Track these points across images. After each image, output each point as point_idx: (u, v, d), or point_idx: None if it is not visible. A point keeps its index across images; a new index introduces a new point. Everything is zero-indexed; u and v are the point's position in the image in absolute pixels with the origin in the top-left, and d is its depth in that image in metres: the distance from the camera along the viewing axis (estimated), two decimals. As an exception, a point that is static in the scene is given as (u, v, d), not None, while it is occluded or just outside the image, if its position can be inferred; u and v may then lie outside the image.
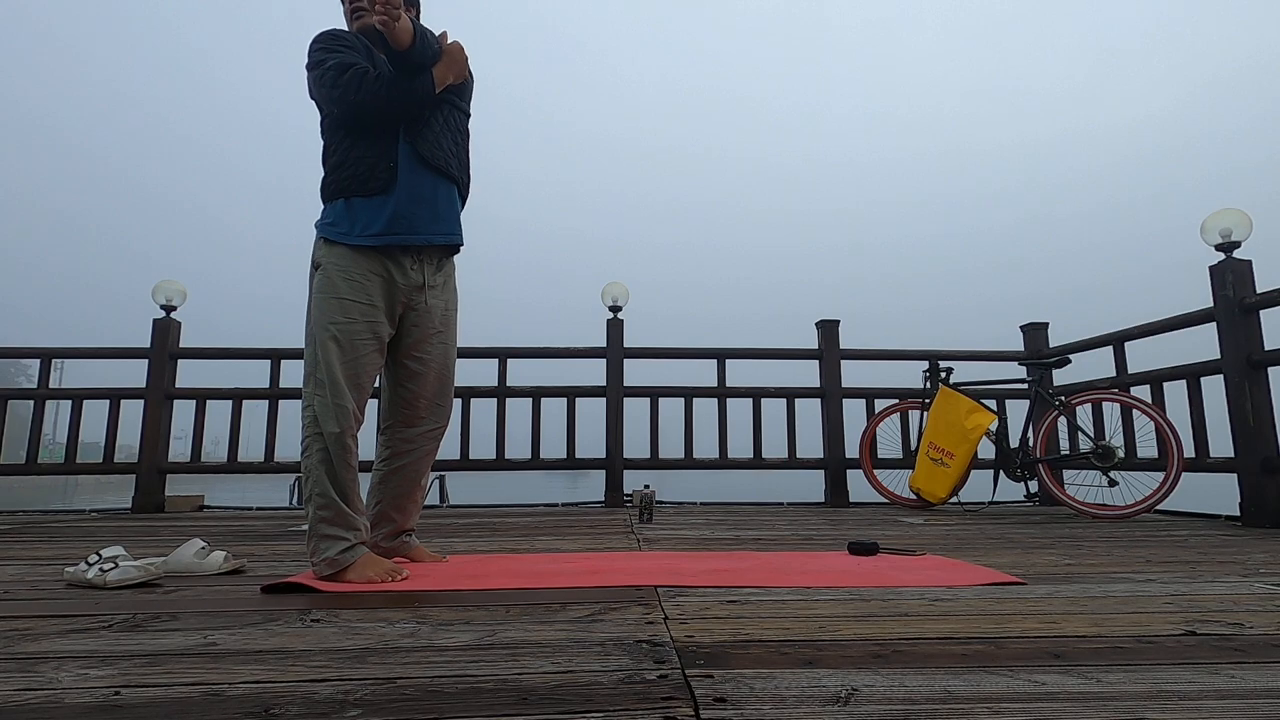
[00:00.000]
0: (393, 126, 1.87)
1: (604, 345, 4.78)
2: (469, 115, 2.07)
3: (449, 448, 4.61)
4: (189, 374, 4.72)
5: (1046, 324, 4.95)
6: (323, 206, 1.90)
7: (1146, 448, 3.82)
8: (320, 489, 1.71)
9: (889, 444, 4.74)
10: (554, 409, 4.72)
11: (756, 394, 4.80)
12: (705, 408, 4.77)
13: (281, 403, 4.60)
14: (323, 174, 1.91)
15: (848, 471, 4.71)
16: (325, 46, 1.87)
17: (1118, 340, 4.10)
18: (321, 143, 1.93)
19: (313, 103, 1.93)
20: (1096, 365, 4.31)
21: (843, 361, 4.88)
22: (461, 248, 2.03)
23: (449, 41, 1.91)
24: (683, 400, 4.77)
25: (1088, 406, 3.99)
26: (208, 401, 4.62)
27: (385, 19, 1.67)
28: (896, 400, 4.77)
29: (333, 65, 1.83)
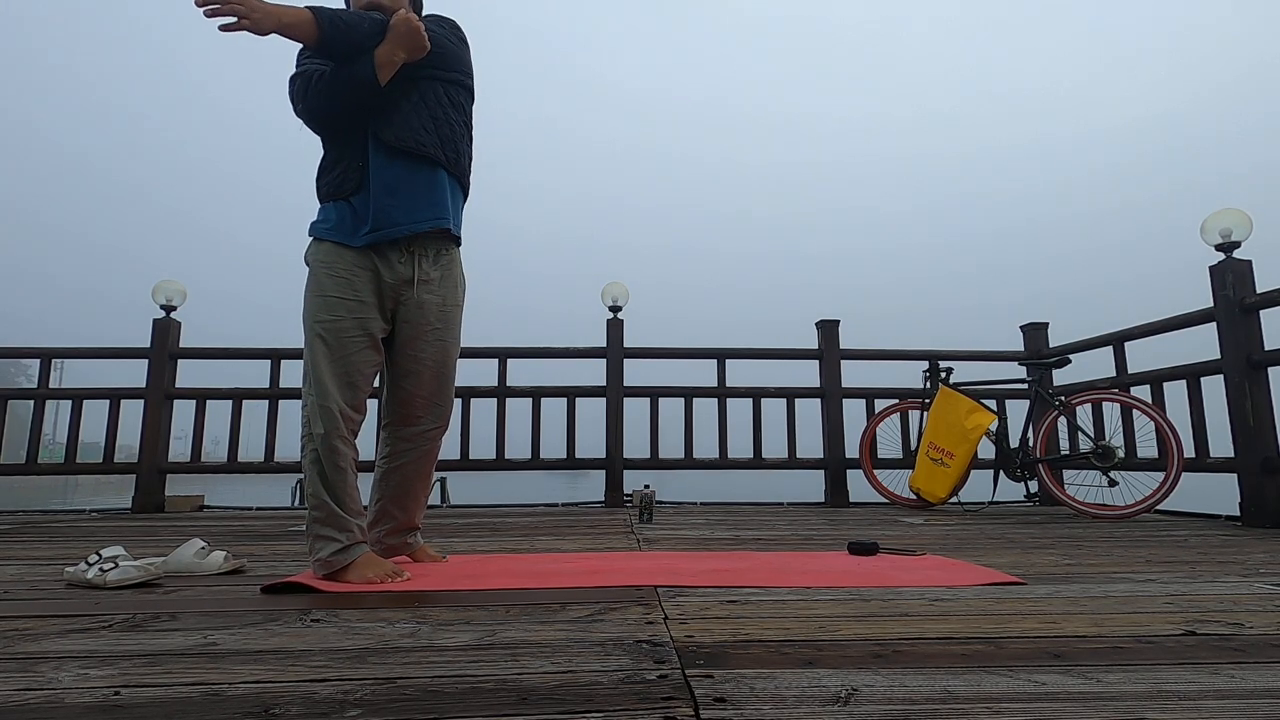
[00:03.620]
0: (358, 122, 1.81)
1: (604, 345, 4.78)
2: (461, 84, 1.94)
3: (449, 448, 4.61)
4: (189, 374, 4.69)
5: (1046, 324, 4.95)
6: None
7: (1146, 448, 3.82)
8: (313, 490, 1.70)
9: (889, 444, 4.75)
10: (554, 409, 4.72)
11: (756, 394, 4.80)
12: (705, 408, 4.77)
13: (281, 403, 4.60)
14: None
15: (848, 471, 4.70)
16: (297, 60, 1.85)
17: (1118, 340, 4.10)
18: None
19: None
20: (1096, 365, 4.30)
21: (843, 361, 4.88)
22: (451, 231, 1.92)
23: (398, 16, 1.76)
24: (683, 400, 4.76)
25: (1088, 406, 3.99)
26: (208, 401, 4.62)
27: (228, 26, 1.54)
28: (896, 400, 4.77)
29: (290, 79, 1.83)
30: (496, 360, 4.73)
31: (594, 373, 4.77)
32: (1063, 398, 3.90)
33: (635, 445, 4.68)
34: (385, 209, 1.80)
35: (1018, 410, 4.68)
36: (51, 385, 4.64)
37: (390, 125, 1.81)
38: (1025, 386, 4.34)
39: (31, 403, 4.54)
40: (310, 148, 1.97)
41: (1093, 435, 3.85)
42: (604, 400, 4.70)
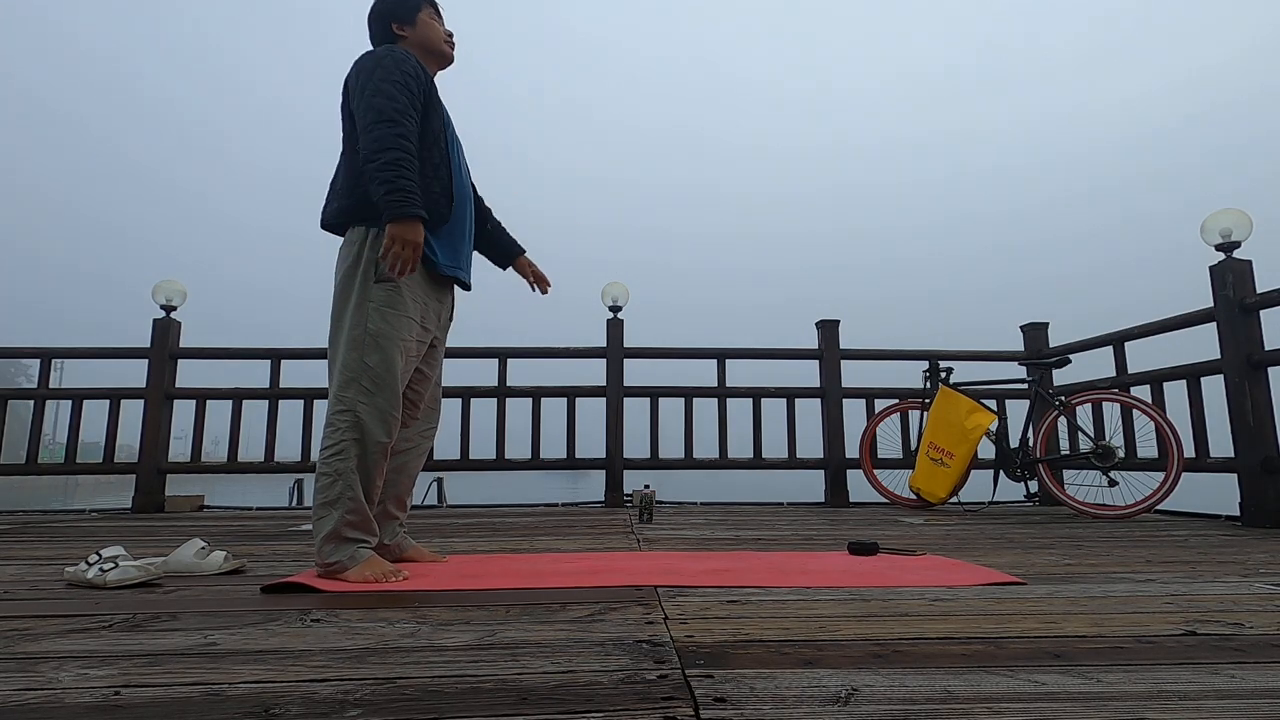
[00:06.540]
0: (444, 151, 1.91)
1: (604, 345, 4.78)
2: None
3: (448, 448, 4.62)
4: (189, 374, 4.68)
5: (1046, 324, 4.95)
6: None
7: (1146, 448, 3.82)
8: (352, 494, 1.73)
9: (889, 444, 4.74)
10: (554, 409, 4.72)
11: (756, 394, 4.80)
12: (705, 408, 4.77)
13: (281, 403, 4.59)
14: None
15: (848, 471, 4.70)
16: (401, 81, 1.78)
17: (1118, 340, 4.11)
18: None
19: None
20: (1096, 365, 4.32)
21: (843, 361, 4.88)
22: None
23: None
24: (683, 400, 4.76)
25: (1088, 406, 3.98)
26: (208, 401, 4.62)
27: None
28: (896, 400, 4.77)
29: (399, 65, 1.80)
30: (496, 360, 4.73)
31: (594, 373, 4.77)
32: (1063, 398, 3.90)
33: (635, 445, 4.68)
34: (460, 251, 1.98)
35: (1018, 410, 4.68)
36: (51, 385, 4.64)
37: (459, 172, 1.96)
38: (1025, 386, 4.34)
39: (31, 403, 4.55)
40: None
41: (1093, 435, 3.85)
42: (604, 400, 4.70)
